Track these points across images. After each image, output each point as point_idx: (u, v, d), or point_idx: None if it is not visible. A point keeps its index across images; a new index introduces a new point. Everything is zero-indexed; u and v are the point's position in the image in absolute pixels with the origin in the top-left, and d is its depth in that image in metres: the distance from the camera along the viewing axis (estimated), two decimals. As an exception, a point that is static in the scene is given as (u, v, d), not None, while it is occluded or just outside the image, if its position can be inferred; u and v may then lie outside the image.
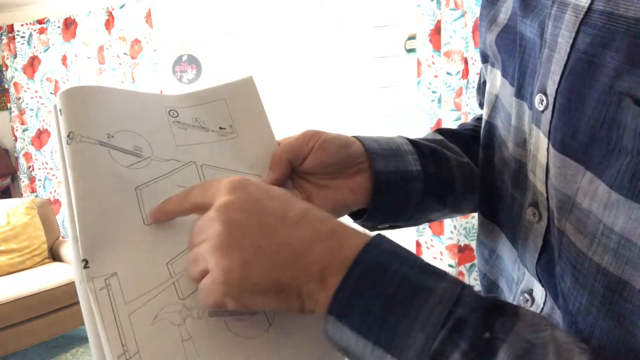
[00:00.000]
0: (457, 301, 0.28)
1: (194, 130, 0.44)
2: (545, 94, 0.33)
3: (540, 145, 0.35)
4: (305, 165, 0.45)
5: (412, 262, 0.31)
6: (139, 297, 0.34)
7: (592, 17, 0.29)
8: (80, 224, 0.35)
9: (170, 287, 0.35)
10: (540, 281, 0.39)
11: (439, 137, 0.54)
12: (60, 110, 0.39)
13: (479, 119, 0.59)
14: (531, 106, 0.36)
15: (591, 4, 0.29)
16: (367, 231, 0.38)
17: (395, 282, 0.29)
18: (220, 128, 0.46)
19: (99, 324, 0.33)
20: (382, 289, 0.29)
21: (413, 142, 0.50)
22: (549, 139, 0.33)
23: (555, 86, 0.32)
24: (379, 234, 0.33)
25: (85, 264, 0.35)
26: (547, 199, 0.35)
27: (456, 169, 0.50)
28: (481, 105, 0.56)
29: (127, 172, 0.38)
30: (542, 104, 0.34)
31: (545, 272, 0.38)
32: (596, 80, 0.28)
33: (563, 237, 0.32)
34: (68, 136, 0.37)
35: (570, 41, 0.30)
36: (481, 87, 0.56)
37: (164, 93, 3.28)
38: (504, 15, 0.43)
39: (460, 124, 0.60)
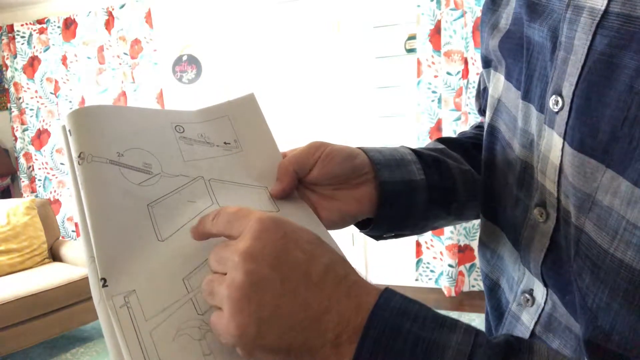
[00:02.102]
0: (471, 354, 0.28)
1: (200, 145, 0.45)
2: (560, 95, 0.34)
3: (554, 145, 0.35)
4: (311, 176, 0.46)
5: (422, 317, 0.30)
6: (159, 314, 0.35)
7: (609, 20, 0.29)
8: (97, 244, 0.36)
9: (188, 303, 0.36)
10: (543, 281, 0.39)
11: (441, 145, 0.55)
12: (69, 131, 0.39)
13: (478, 127, 0.60)
14: (539, 108, 0.37)
15: (607, 6, 0.30)
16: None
17: (409, 344, 0.29)
18: (225, 143, 0.47)
19: (121, 342, 0.33)
20: (398, 353, 0.29)
21: (416, 152, 0.51)
22: (564, 139, 0.34)
23: (572, 87, 0.32)
24: (387, 289, 0.32)
25: (104, 282, 0.35)
26: (558, 198, 0.36)
27: (458, 177, 0.51)
28: (480, 111, 0.57)
29: (138, 190, 0.39)
30: (557, 105, 0.34)
31: (552, 271, 0.38)
32: (616, 80, 0.29)
33: (582, 234, 0.33)
34: (79, 157, 0.38)
35: (588, 43, 0.31)
36: (481, 93, 0.56)
37: (164, 93, 3.28)
38: (505, 21, 0.44)
39: (460, 132, 0.61)
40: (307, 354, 0.30)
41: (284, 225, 0.33)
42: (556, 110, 0.34)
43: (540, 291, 0.40)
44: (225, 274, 0.32)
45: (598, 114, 0.30)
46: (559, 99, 0.34)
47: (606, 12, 0.30)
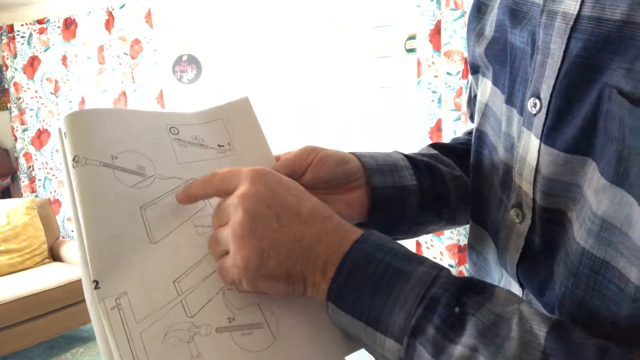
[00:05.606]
0: (432, 282, 0.32)
1: (194, 147, 0.46)
2: (538, 97, 0.35)
3: (531, 147, 0.36)
4: (303, 180, 0.46)
5: (396, 251, 0.35)
6: (149, 316, 0.36)
7: (582, 23, 0.31)
8: (90, 246, 0.37)
9: (178, 305, 0.37)
10: (519, 280, 0.40)
11: (434, 151, 0.56)
12: (64, 133, 0.40)
13: (469, 132, 0.61)
14: (520, 111, 0.38)
15: (580, 10, 0.31)
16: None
17: (380, 270, 0.34)
18: (219, 146, 0.47)
19: (112, 343, 0.34)
20: (369, 276, 0.34)
21: (409, 157, 0.52)
22: (541, 140, 0.35)
23: (550, 89, 0.34)
24: (370, 230, 0.37)
25: (96, 284, 0.36)
26: (534, 198, 0.37)
27: (450, 182, 0.52)
28: (471, 117, 0.58)
29: (131, 192, 0.40)
30: (535, 107, 0.35)
31: (529, 270, 0.39)
32: (593, 80, 0.30)
33: (569, 226, 0.34)
34: (74, 160, 0.39)
35: (563, 47, 0.32)
36: (472, 100, 0.57)
37: (164, 93, 3.28)
38: (489, 29, 0.45)
39: (453, 138, 0.62)
40: (301, 279, 0.36)
41: (274, 174, 0.38)
42: (534, 112, 0.35)
43: (516, 292, 0.41)
44: (226, 223, 0.37)
45: (578, 113, 0.32)
46: (537, 101, 0.35)
47: (579, 16, 0.31)
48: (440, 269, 0.34)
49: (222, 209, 0.38)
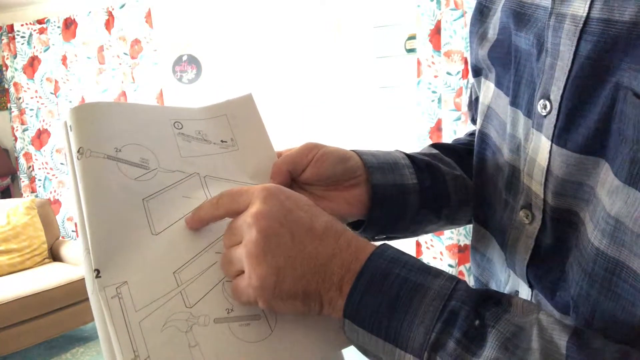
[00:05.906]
0: (450, 295, 0.32)
1: (198, 142, 0.46)
2: (548, 99, 0.35)
3: (541, 148, 0.36)
4: (303, 177, 0.46)
5: (411, 265, 0.35)
6: (148, 305, 0.36)
7: (591, 25, 0.31)
8: (92, 236, 0.37)
9: (177, 296, 0.37)
10: (529, 282, 0.40)
11: (434, 151, 0.56)
12: (70, 126, 0.41)
13: (471, 134, 0.61)
14: (526, 113, 0.38)
15: (589, 12, 0.31)
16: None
17: (396, 285, 0.33)
18: (222, 141, 0.48)
19: (111, 331, 0.35)
20: (386, 291, 0.33)
21: (410, 156, 0.52)
22: (552, 141, 0.35)
23: (560, 91, 0.34)
24: (384, 244, 0.37)
25: (97, 273, 0.37)
26: (544, 199, 0.37)
27: (450, 182, 0.52)
28: (473, 120, 0.58)
29: (134, 185, 0.40)
30: (545, 109, 0.35)
31: (540, 270, 0.39)
32: (604, 81, 0.31)
33: (582, 226, 0.34)
34: (78, 152, 0.39)
35: (573, 49, 0.32)
36: (473, 103, 0.57)
37: (164, 93, 3.28)
38: (492, 31, 0.45)
39: (455, 139, 0.62)
40: (317, 297, 0.35)
41: (285, 191, 0.38)
42: (544, 114, 0.35)
43: (525, 292, 0.41)
44: (239, 242, 0.36)
45: (590, 113, 0.32)
46: (547, 102, 0.35)
47: (588, 17, 0.31)
48: (457, 281, 0.33)
49: (234, 229, 0.37)
